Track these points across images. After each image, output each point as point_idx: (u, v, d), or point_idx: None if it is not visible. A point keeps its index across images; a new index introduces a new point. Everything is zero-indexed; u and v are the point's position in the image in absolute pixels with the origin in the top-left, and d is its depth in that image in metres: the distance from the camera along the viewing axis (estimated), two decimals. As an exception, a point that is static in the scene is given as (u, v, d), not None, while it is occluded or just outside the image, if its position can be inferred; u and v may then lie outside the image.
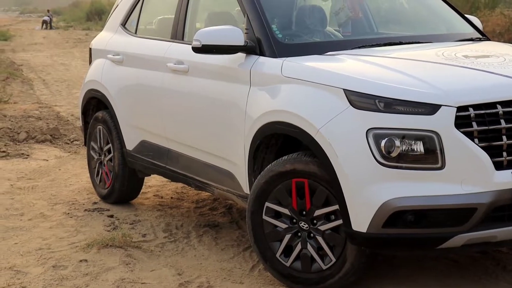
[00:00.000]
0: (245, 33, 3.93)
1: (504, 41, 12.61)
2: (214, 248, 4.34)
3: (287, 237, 3.59)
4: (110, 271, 3.98)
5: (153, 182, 5.89)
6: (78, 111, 5.90)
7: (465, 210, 3.13)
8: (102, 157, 5.39)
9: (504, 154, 3.17)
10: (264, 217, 3.64)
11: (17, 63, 16.10)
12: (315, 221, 3.51)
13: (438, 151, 3.13)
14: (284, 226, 3.59)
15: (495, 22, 14.61)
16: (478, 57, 3.70)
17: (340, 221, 3.39)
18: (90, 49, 5.70)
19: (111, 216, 5.05)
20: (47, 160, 6.82)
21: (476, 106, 3.16)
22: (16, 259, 4.20)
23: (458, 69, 3.50)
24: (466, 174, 3.12)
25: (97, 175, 5.46)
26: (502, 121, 3.18)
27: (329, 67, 3.60)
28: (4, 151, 7.07)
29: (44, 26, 35.16)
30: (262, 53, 3.86)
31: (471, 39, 4.40)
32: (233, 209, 5.12)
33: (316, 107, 3.42)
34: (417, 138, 3.15)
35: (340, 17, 4.60)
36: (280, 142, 3.78)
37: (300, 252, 3.57)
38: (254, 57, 3.88)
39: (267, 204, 3.62)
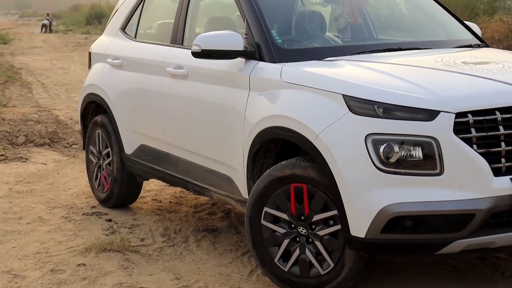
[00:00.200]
0: (245, 38, 3.94)
1: (503, 48, 12.64)
2: (213, 253, 4.33)
3: (286, 242, 3.59)
4: (108, 275, 3.98)
5: (151, 187, 5.89)
6: (77, 115, 5.91)
7: (463, 216, 3.13)
8: (101, 161, 5.39)
9: (503, 160, 3.17)
10: (263, 222, 3.64)
11: (16, 67, 16.10)
12: (313, 226, 3.51)
13: (437, 157, 3.13)
14: (282, 231, 3.59)
15: (494, 29, 14.64)
16: (477, 64, 3.71)
17: (338, 227, 3.39)
18: (90, 53, 5.70)
19: (110, 220, 5.05)
20: (46, 164, 6.82)
21: (474, 113, 3.17)
22: (14, 263, 4.19)
23: (457, 75, 3.51)
24: (465, 180, 3.13)
25: (96, 179, 5.46)
26: (501, 127, 3.18)
27: (328, 73, 3.61)
28: (2, 155, 7.07)
29: (43, 30, 35.18)
30: (261, 58, 3.87)
31: (470, 46, 4.41)
32: (231, 214, 5.12)
33: (315, 113, 3.42)
34: (415, 144, 3.15)
35: (340, 23, 4.62)
36: (279, 147, 3.78)
37: (298, 257, 3.57)
38: (254, 62, 3.89)
39: (265, 209, 3.62)
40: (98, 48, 5.58)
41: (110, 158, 5.24)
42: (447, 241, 3.17)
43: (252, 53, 3.89)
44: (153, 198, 5.64)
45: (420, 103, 3.19)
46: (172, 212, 5.25)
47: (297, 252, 3.57)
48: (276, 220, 3.62)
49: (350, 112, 3.29)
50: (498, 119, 3.19)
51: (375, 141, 3.19)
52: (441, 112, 3.14)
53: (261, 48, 3.88)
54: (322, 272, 3.52)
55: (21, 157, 7.05)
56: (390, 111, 3.20)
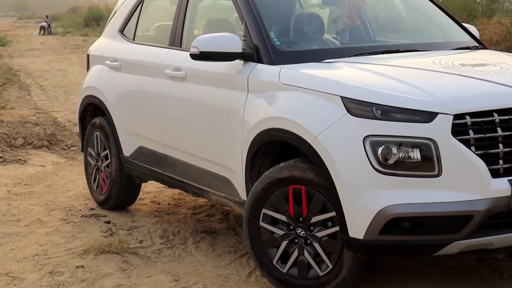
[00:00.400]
0: (243, 40, 3.95)
1: (501, 50, 12.65)
2: (211, 255, 4.34)
3: (284, 243, 3.59)
4: (106, 277, 3.98)
5: (150, 188, 5.89)
6: (75, 117, 5.92)
7: (461, 217, 3.14)
8: (99, 163, 5.39)
9: (501, 162, 3.18)
10: (261, 223, 3.64)
11: (14, 69, 16.11)
12: (312, 228, 3.51)
13: (435, 159, 3.14)
14: (281, 232, 3.60)
15: (492, 31, 14.66)
16: (475, 66, 3.72)
17: (337, 228, 3.39)
18: (88, 55, 5.71)
19: (108, 222, 5.05)
20: (44, 166, 6.82)
21: (472, 114, 3.18)
22: (12, 265, 4.19)
23: (455, 77, 3.52)
24: (463, 181, 3.13)
25: (94, 181, 5.46)
26: (499, 129, 3.19)
27: (327, 75, 3.61)
28: (1, 157, 7.07)
29: (41, 32, 35.18)
30: (260, 60, 3.87)
31: (468, 48, 4.42)
32: (230, 216, 5.12)
33: (313, 114, 3.43)
34: (414, 146, 3.16)
35: (338, 25, 4.62)
36: (277, 149, 3.78)
37: (297, 258, 3.57)
38: (252, 64, 3.89)
39: (264, 210, 3.62)
40: (96, 50, 5.59)
41: (109, 160, 5.24)
42: (445, 243, 3.17)
43: (250, 55, 3.90)
44: (151, 200, 5.64)
45: (418, 105, 3.19)
46: (171, 214, 5.25)
47: (295, 253, 3.57)
48: (274, 221, 3.62)
49: (348, 114, 3.29)
50: (496, 120, 3.19)
51: (373, 142, 3.19)
52: (439, 114, 3.15)
53: (259, 50, 3.88)
54: (321, 274, 3.52)
55: (19, 159, 7.05)
56: (388, 113, 3.21)
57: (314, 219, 3.48)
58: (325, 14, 4.70)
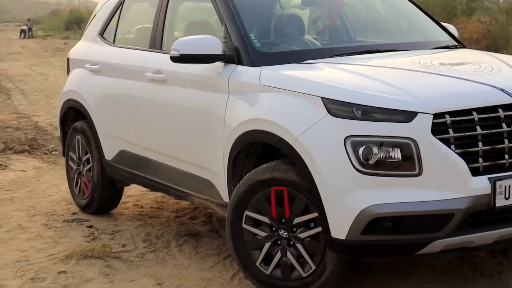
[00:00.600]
0: (223, 42, 3.94)
1: (481, 48, 12.76)
2: (195, 257, 4.33)
3: (267, 245, 3.59)
4: (89, 283, 3.95)
5: (132, 192, 5.86)
6: (56, 121, 5.88)
7: (442, 216, 3.15)
8: (81, 168, 5.36)
9: (480, 160, 3.20)
10: (244, 225, 3.64)
11: (-6, 73, 15.99)
12: (294, 229, 3.52)
13: (416, 158, 3.15)
14: (263, 234, 3.60)
15: (473, 29, 14.78)
16: (454, 65, 3.74)
17: (319, 229, 3.40)
18: (68, 58, 5.67)
19: (91, 226, 5.02)
20: (25, 171, 6.77)
21: (452, 113, 3.19)
22: (-6, 272, 4.16)
23: (435, 76, 3.54)
24: (443, 180, 3.15)
25: (76, 185, 5.43)
26: (478, 127, 3.21)
27: (307, 76, 3.62)
28: (-19, 162, 7.01)
29: (22, 35, 34.95)
30: (240, 62, 3.87)
31: (447, 47, 4.45)
32: (213, 218, 5.11)
33: (294, 116, 3.43)
34: (394, 145, 3.17)
35: (318, 26, 4.63)
36: (259, 151, 3.78)
37: (280, 260, 3.57)
38: (233, 66, 3.89)
39: (246, 212, 3.62)
40: (76, 53, 5.56)
41: (90, 164, 5.21)
42: (426, 241, 3.19)
43: (231, 57, 3.90)
44: (134, 203, 5.62)
45: (398, 105, 3.21)
46: (154, 217, 5.24)
47: (278, 255, 3.57)
48: (257, 223, 3.62)
49: (329, 114, 3.30)
50: (475, 119, 3.21)
51: (354, 143, 3.20)
52: (419, 113, 3.16)
53: (239, 52, 3.88)
54: (304, 275, 3.53)
55: (0, 165, 6.98)
56: (368, 113, 3.22)
57: (297, 220, 3.49)
58: (305, 15, 4.71)
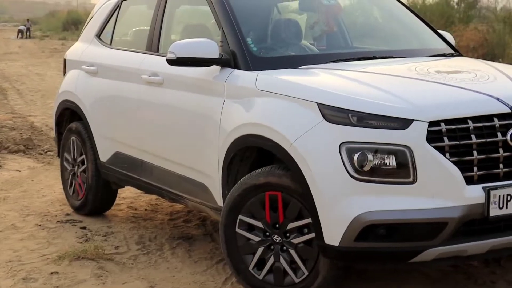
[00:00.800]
0: (220, 46, 3.94)
1: (478, 56, 12.79)
2: (188, 261, 4.32)
3: (260, 250, 3.58)
4: (81, 284, 3.94)
5: (127, 194, 5.85)
6: (52, 122, 5.88)
7: (436, 224, 3.15)
8: (76, 168, 5.35)
9: (475, 169, 3.20)
10: (237, 230, 3.63)
11: (-9, 73, 15.96)
12: (288, 234, 3.51)
13: (410, 166, 3.15)
14: (257, 239, 3.59)
15: (469, 37, 14.83)
16: (450, 73, 3.75)
17: (312, 235, 3.39)
18: (65, 60, 5.67)
19: (84, 228, 5.00)
20: (20, 171, 6.75)
21: (447, 121, 3.19)
22: (-15, 272, 4.14)
23: (431, 84, 3.54)
24: (438, 188, 3.15)
25: (70, 186, 5.42)
26: (473, 136, 3.21)
27: (303, 81, 3.62)
28: (-24, 162, 6.99)
29: (19, 36, 34.92)
30: (236, 66, 3.87)
31: (444, 55, 4.45)
32: (207, 222, 5.10)
33: (289, 121, 3.43)
34: (389, 153, 3.17)
35: (315, 31, 4.63)
36: (254, 155, 3.78)
37: (273, 265, 3.56)
38: (229, 70, 3.89)
39: (240, 217, 3.62)
40: (73, 55, 5.55)
41: (85, 165, 5.21)
42: (420, 249, 3.18)
43: (227, 61, 3.89)
44: (128, 205, 5.60)
45: (393, 112, 3.21)
46: (148, 219, 5.22)
47: (271, 260, 3.56)
48: (250, 228, 3.61)
49: (324, 120, 3.30)
50: (470, 128, 3.21)
51: (349, 149, 3.20)
52: (414, 121, 3.16)
53: (236, 56, 3.88)
54: (297, 280, 3.52)
55: (-5, 164, 6.97)
56: (364, 119, 3.22)
57: (290, 225, 3.48)
58: (302, 20, 4.71)
